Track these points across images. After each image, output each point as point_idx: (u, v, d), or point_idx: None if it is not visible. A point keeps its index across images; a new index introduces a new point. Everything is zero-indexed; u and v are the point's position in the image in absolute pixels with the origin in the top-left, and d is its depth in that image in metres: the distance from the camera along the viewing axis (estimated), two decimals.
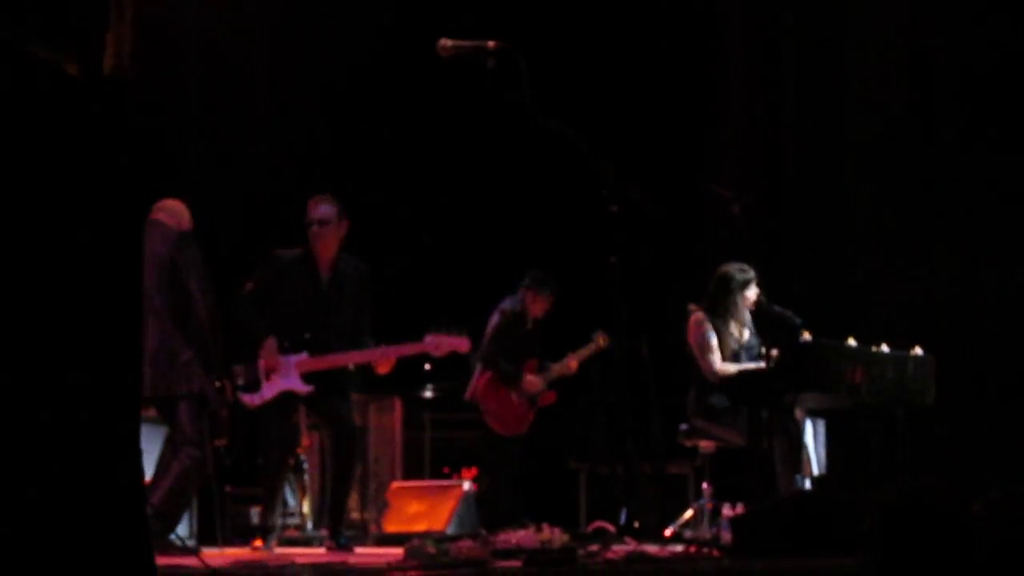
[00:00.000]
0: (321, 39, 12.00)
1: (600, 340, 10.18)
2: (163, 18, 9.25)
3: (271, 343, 8.09)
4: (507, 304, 10.28)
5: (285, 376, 8.13)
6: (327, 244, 8.26)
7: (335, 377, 8.28)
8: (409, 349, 8.32)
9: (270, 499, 8.41)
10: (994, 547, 3.21)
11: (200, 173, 8.83)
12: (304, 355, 8.16)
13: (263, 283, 8.23)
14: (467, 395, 10.36)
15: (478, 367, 10.27)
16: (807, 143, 11.56)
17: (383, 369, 8.33)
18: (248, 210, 10.61)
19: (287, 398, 8.22)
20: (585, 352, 10.25)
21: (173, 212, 7.72)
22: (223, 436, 8.90)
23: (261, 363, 8.13)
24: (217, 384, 7.81)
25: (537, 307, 10.27)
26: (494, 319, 10.27)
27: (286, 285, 8.23)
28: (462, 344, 8.41)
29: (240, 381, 8.17)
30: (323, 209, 8.27)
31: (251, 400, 8.16)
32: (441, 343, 8.34)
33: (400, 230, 12.01)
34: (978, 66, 10.88)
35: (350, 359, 8.32)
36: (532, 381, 10.19)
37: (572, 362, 10.22)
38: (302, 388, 8.14)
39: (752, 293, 8.85)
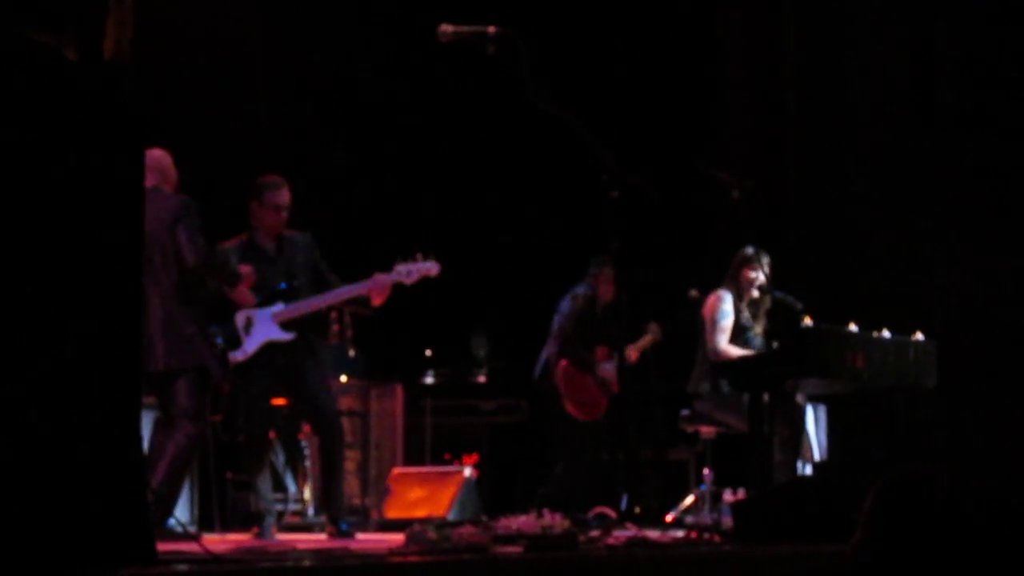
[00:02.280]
0: (322, 25, 11.99)
1: (655, 331, 10.21)
2: (162, 4, 9.23)
3: (248, 269, 8.07)
4: (579, 290, 10.24)
5: (264, 327, 8.12)
6: (279, 226, 8.30)
7: (308, 339, 8.27)
8: (380, 280, 8.29)
9: (254, 473, 8.35)
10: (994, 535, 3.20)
11: (196, 155, 8.80)
12: (279, 305, 8.16)
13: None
14: (536, 377, 10.38)
15: (551, 352, 10.23)
16: (808, 128, 11.54)
17: (378, 301, 8.30)
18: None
19: (265, 371, 8.17)
20: (643, 343, 10.23)
21: (163, 170, 7.66)
22: (221, 411, 8.90)
23: (238, 318, 8.10)
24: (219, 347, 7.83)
25: (605, 289, 10.17)
26: (565, 305, 10.22)
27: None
28: (431, 269, 8.39)
29: (219, 340, 8.14)
30: (286, 194, 8.30)
31: (234, 358, 8.13)
32: (411, 270, 8.32)
33: (398, 218, 12.00)
34: (980, 48, 10.86)
35: (323, 301, 8.31)
36: (610, 373, 10.12)
37: (632, 353, 10.11)
38: (283, 336, 8.12)
39: (753, 274, 8.84)
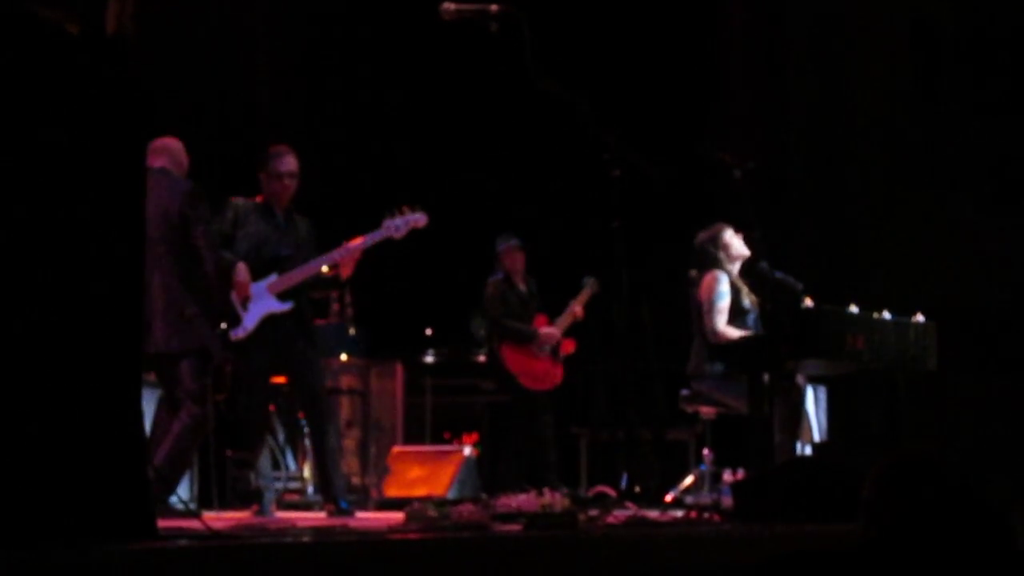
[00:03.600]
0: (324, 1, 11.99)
1: (592, 284, 10.40)
2: None
3: (243, 267, 8.07)
4: (491, 278, 10.37)
5: (261, 301, 8.12)
6: (288, 195, 8.31)
7: (303, 319, 8.27)
8: (371, 239, 8.30)
9: (254, 450, 8.35)
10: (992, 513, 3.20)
11: (197, 130, 8.79)
12: (273, 276, 8.16)
13: (223, 222, 8.21)
14: (479, 358, 10.54)
15: (495, 340, 10.37)
16: (810, 108, 11.54)
17: (347, 271, 8.31)
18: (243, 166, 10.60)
19: (262, 347, 8.17)
20: (583, 297, 10.44)
21: (175, 155, 7.66)
22: (224, 391, 8.89)
23: (235, 296, 8.10)
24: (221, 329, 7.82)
25: (513, 262, 10.39)
26: (485, 293, 10.40)
27: (245, 222, 8.24)
28: (419, 220, 8.41)
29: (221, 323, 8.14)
30: (291, 161, 8.30)
31: (235, 335, 8.13)
32: (399, 224, 8.34)
33: (398, 196, 11.99)
34: (982, 28, 10.86)
35: (315, 266, 8.30)
36: (548, 332, 10.32)
37: (576, 308, 10.40)
38: (282, 307, 8.13)
39: (726, 236, 8.84)
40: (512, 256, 10.45)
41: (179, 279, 7.41)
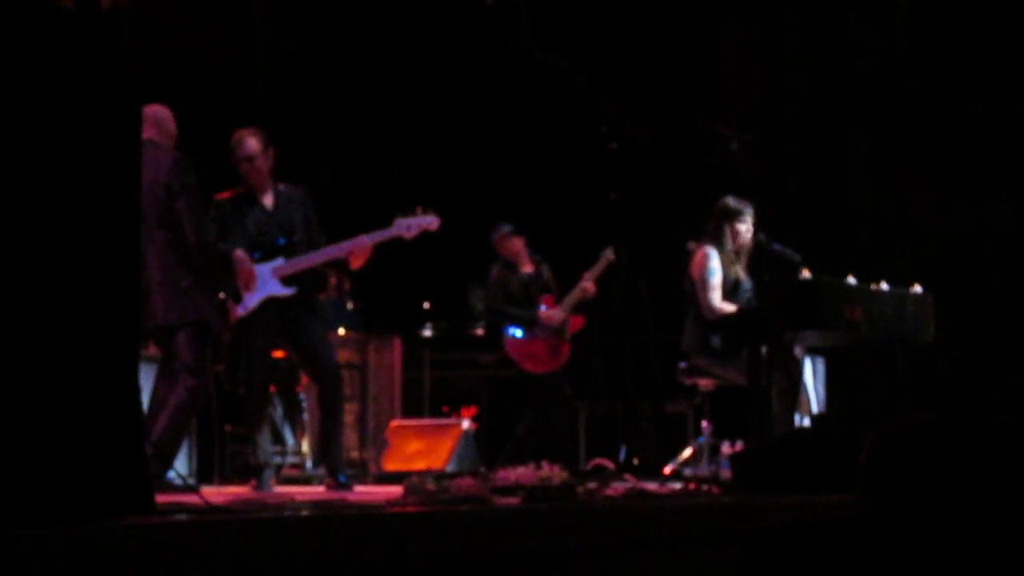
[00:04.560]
0: None
1: (609, 254, 10.12)
2: None
3: (240, 253, 8.06)
4: (493, 266, 10.40)
5: (266, 283, 8.11)
6: (260, 176, 8.26)
7: (308, 295, 8.27)
8: (381, 236, 8.29)
9: (254, 426, 8.36)
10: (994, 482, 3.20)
11: (191, 106, 8.76)
12: (280, 261, 8.15)
13: (216, 221, 8.19)
14: (477, 331, 10.56)
15: (496, 327, 10.38)
16: (807, 80, 11.52)
17: (357, 263, 8.30)
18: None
19: (266, 326, 8.17)
20: (597, 269, 10.23)
21: (162, 123, 7.61)
22: (222, 361, 8.89)
23: (239, 283, 8.09)
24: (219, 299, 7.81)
25: (510, 249, 10.34)
26: (488, 281, 10.41)
27: (234, 223, 8.21)
28: (432, 223, 8.40)
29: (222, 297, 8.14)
30: (249, 144, 8.25)
31: (236, 312, 8.12)
32: (411, 224, 8.32)
33: (394, 171, 11.98)
34: (980, 3, 10.84)
35: (325, 256, 8.29)
36: (549, 314, 10.25)
37: (587, 283, 10.23)
38: (284, 291, 8.12)
39: (743, 228, 8.80)
40: (505, 243, 10.41)
41: (173, 251, 7.39)
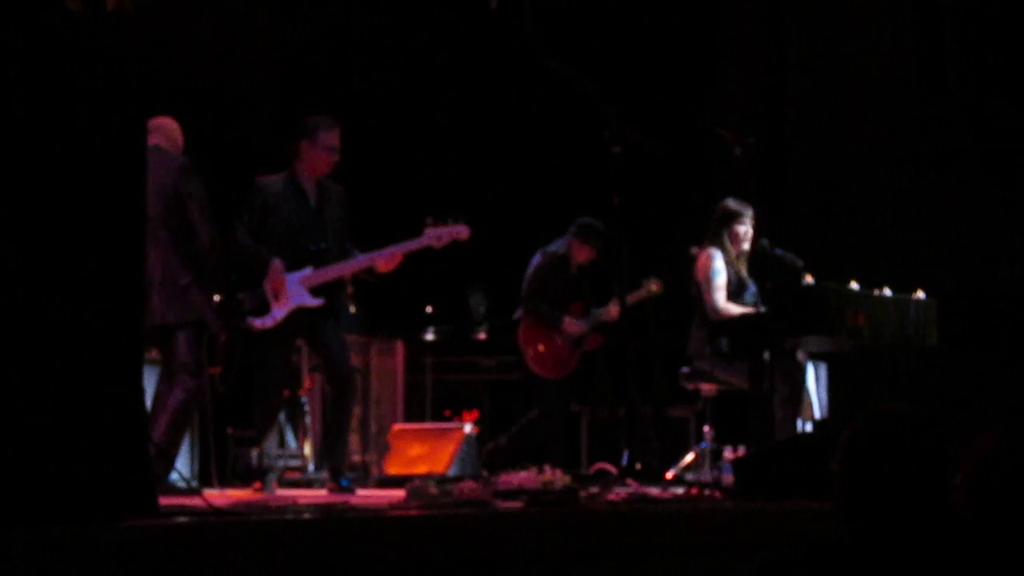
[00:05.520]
0: None
1: (652, 287, 9.88)
2: None
3: (278, 264, 8.03)
4: (552, 247, 10.15)
5: (294, 293, 8.09)
6: (327, 168, 8.24)
7: (333, 302, 8.25)
8: (412, 245, 8.27)
9: (263, 431, 8.36)
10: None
11: (195, 107, 8.77)
12: (308, 270, 8.12)
13: (252, 211, 8.16)
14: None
15: (519, 310, 10.20)
16: (810, 84, 11.52)
17: (384, 268, 8.29)
18: (238, 143, 10.57)
19: (287, 331, 8.18)
20: (637, 296, 9.81)
21: (169, 134, 7.64)
22: (218, 362, 8.88)
23: (267, 286, 8.07)
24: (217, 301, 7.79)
25: (580, 255, 10.10)
26: (535, 260, 10.16)
27: (276, 208, 8.17)
28: (462, 232, 8.37)
29: (248, 308, 8.11)
30: (337, 135, 8.23)
31: (263, 323, 8.10)
32: (441, 234, 8.30)
33: (396, 175, 11.97)
34: (985, 3, 10.84)
35: (355, 266, 8.27)
36: (572, 324, 10.06)
37: (613, 309, 9.87)
38: (313, 301, 8.09)
39: (743, 229, 8.79)
40: (584, 247, 10.13)
41: (175, 253, 7.41)
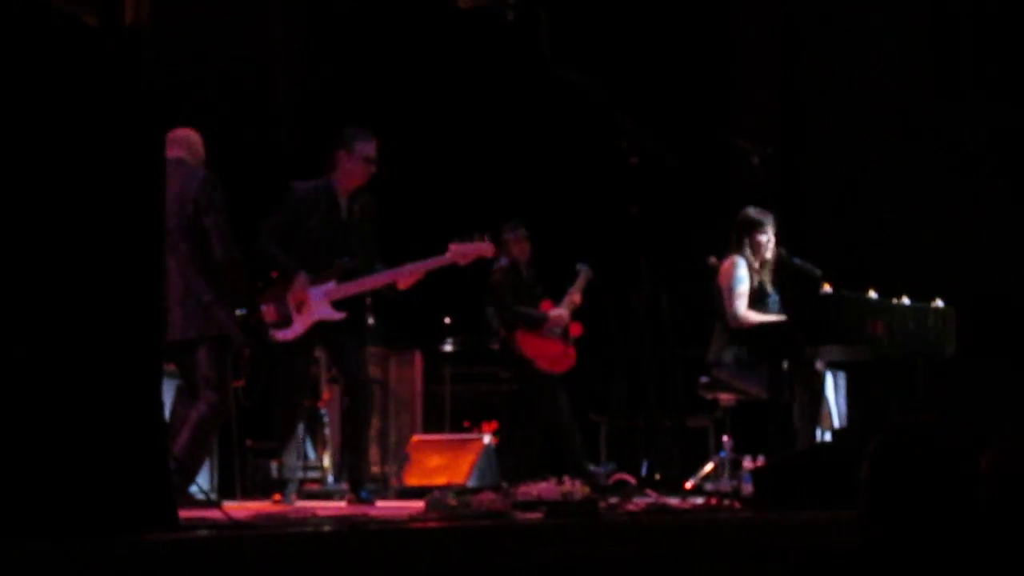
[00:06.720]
0: None
1: (587, 272, 10.51)
2: None
3: (302, 278, 8.03)
4: (496, 265, 10.36)
5: (317, 307, 8.09)
6: (364, 180, 8.25)
7: (356, 315, 8.24)
8: (436, 262, 8.30)
9: (284, 442, 8.37)
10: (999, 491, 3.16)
11: (214, 117, 8.79)
12: (332, 284, 8.11)
13: (285, 215, 8.16)
14: (494, 346, 10.57)
15: (502, 329, 10.41)
16: (827, 94, 11.51)
17: (405, 284, 8.30)
18: (257, 155, 10.59)
19: (307, 342, 8.18)
20: (579, 284, 10.54)
21: (191, 146, 7.63)
22: (242, 376, 8.89)
23: (290, 298, 8.07)
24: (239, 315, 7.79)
25: (519, 249, 10.43)
26: (492, 281, 10.41)
27: (307, 216, 8.17)
28: (487, 249, 8.42)
29: (270, 319, 8.12)
30: (374, 145, 8.24)
31: (284, 335, 8.10)
32: (466, 251, 8.32)
33: (411, 188, 11.98)
34: (1002, 11, 10.82)
35: (379, 280, 8.27)
36: (558, 315, 10.40)
37: (575, 296, 10.51)
38: (335, 315, 8.09)
39: (764, 238, 8.79)
40: (521, 244, 10.51)
41: (196, 267, 7.39)
